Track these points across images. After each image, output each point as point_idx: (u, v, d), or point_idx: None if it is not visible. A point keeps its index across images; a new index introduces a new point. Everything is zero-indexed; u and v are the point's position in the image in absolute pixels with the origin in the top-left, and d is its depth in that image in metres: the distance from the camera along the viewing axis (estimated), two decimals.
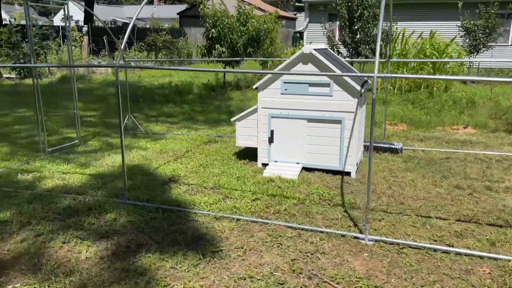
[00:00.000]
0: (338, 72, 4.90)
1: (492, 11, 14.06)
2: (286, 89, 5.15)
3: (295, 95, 5.13)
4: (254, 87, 5.28)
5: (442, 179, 4.97)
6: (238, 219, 3.80)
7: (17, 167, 5.40)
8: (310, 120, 5.12)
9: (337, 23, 12.96)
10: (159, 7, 59.64)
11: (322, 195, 4.42)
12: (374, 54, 10.75)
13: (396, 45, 11.68)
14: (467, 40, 14.57)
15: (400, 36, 11.90)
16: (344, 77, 4.85)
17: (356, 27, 10.99)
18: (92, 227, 3.62)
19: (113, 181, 4.82)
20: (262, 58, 12.92)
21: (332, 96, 4.98)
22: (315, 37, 20.85)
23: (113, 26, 41.13)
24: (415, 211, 4.03)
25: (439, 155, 6.07)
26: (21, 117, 9.02)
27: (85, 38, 17.19)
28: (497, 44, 16.16)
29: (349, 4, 11.09)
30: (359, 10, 10.92)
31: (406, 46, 11.47)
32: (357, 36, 11.23)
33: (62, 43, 18.90)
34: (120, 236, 3.46)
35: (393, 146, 6.12)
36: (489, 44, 14.29)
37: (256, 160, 5.63)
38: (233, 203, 4.15)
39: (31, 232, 3.52)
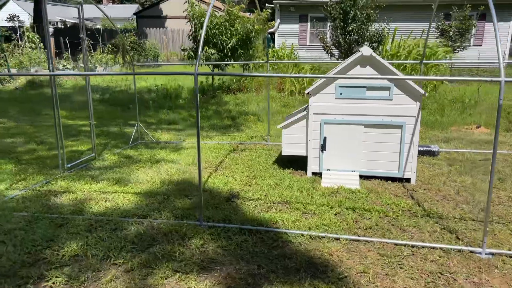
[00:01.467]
0: (400, 75, 4.70)
1: (466, 13, 14.59)
2: (341, 94, 4.89)
3: (351, 99, 4.88)
4: (306, 92, 4.96)
5: (501, 182, 4.91)
6: (337, 238, 3.48)
7: (39, 188, 4.75)
8: (368, 125, 4.89)
9: (328, 24, 12.87)
10: (109, 7, 57.27)
11: (400, 205, 4.20)
12: None
13: (386, 46, 11.78)
14: (442, 41, 15.04)
15: (390, 37, 12.02)
16: (407, 80, 4.67)
17: (350, 28, 10.94)
18: (184, 256, 3.16)
19: (167, 200, 4.33)
20: (260, 61, 12.57)
21: (392, 100, 4.78)
22: (287, 38, 20.76)
23: (62, 27, 38.93)
24: (506, 218, 3.91)
25: (475, 156, 6.05)
26: (4, 128, 8.11)
27: (52, 39, 15.97)
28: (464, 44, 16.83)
29: (342, 5, 11.03)
30: (353, 12, 10.88)
31: (398, 47, 11.58)
32: (351, 37, 11.18)
33: (18, 45, 17.54)
34: (223, 266, 3.04)
35: (431, 149, 6.04)
36: (463, 45, 14.82)
37: (301, 168, 5.35)
38: (317, 220, 3.82)
39: (117, 267, 3.01)
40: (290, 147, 5.28)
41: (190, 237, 3.47)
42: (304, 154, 5.23)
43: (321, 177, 5.04)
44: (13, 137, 7.28)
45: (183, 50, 12.45)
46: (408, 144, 4.84)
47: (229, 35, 11.66)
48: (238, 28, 11.73)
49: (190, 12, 11.66)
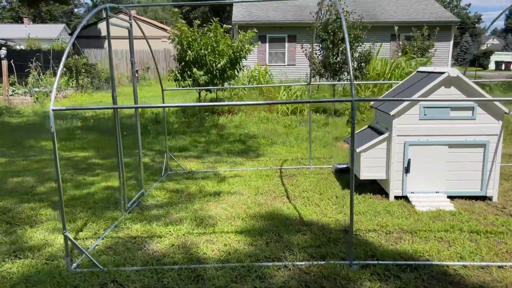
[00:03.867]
0: (487, 96, 4.76)
1: (425, 34, 15.58)
2: (425, 114, 4.84)
3: (435, 120, 4.85)
4: (391, 113, 4.84)
5: None
6: (500, 266, 3.34)
7: (113, 234, 4.10)
8: (452, 145, 4.88)
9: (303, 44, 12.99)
10: (32, 27, 53.55)
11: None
12: (360, 75, 11.02)
13: (373, 66, 12.14)
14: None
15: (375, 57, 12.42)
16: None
17: (341, 49, 11.14)
18: None
19: (280, 237, 3.93)
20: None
21: (475, 119, 4.82)
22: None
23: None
24: None
25: None
26: (5, 163, 7.05)
27: (4, 62, 14.41)
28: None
29: (330, 26, 11.21)
30: (341, 33, 11.09)
31: (384, 66, 11.99)
32: (339, 58, 11.38)
33: None
34: None
35: None
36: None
37: (376, 192, 5.20)
38: (459, 247, 3.67)
39: None
40: (370, 171, 5.11)
41: (354, 280, 3.14)
42: (384, 178, 5.08)
43: (406, 200, 4.92)
44: (19, 176, 6.31)
45: (171, 71, 11.82)
46: (490, 162, 4.88)
47: (217, 55, 11.32)
48: (224, 49, 11.44)
49: (175, 34, 11.17)
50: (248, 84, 13.47)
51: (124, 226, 4.34)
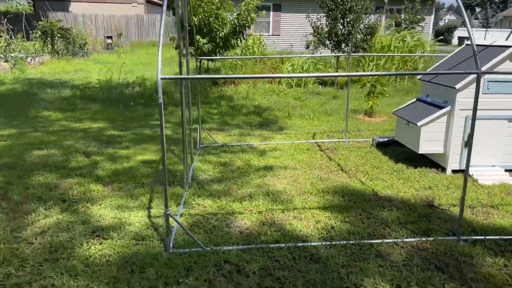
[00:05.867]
0: None
1: (418, 7, 15.64)
2: (488, 89, 4.81)
3: (497, 94, 4.84)
4: (457, 87, 4.76)
5: None
6: None
7: (188, 211, 3.86)
8: (511, 119, 4.91)
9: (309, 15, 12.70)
10: None
11: None
12: (367, 46, 10.93)
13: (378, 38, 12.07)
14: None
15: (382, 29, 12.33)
16: None
17: (348, 19, 10.95)
18: None
19: (367, 213, 3.83)
20: (259, 56, 11.89)
21: None
22: None
23: None
24: None
25: None
26: (11, 136, 6.49)
27: None
28: None
29: None
30: (349, 3, 10.90)
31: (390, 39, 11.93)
32: (345, 29, 11.21)
33: None
34: None
35: None
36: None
37: (429, 166, 5.18)
38: None
39: None
40: (429, 145, 5.07)
41: (473, 255, 3.10)
42: (442, 152, 5.06)
43: (463, 174, 4.93)
44: (40, 149, 5.83)
45: (170, 39, 11.21)
46: None
47: (220, 23, 10.84)
48: (227, 17, 10.97)
49: None
50: (246, 55, 13.07)
51: (193, 202, 4.10)
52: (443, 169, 5.07)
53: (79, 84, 11.74)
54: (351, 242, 3.28)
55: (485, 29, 48.59)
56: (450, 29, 51.20)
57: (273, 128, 7.57)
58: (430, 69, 5.85)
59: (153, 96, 9.94)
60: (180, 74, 4.37)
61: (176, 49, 11.06)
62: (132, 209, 3.90)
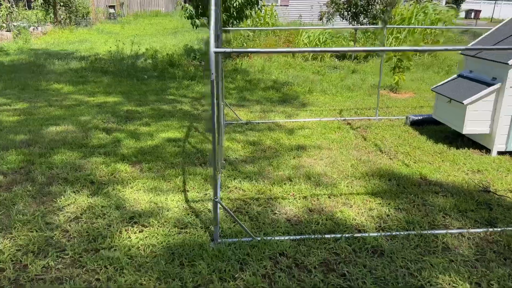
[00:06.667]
0: None
1: None
2: None
3: None
4: (510, 63, 4.42)
5: None
6: None
7: (226, 195, 3.59)
8: None
9: None
10: None
11: None
12: (387, 18, 10.47)
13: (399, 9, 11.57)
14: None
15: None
16: None
17: None
18: None
19: (420, 199, 3.57)
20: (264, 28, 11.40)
21: None
22: None
23: None
24: None
25: None
26: (21, 111, 6.16)
27: None
28: None
29: None
30: None
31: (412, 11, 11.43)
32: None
33: None
34: None
35: None
36: None
37: (471, 147, 4.89)
38: None
39: None
40: (474, 125, 4.76)
41: None
42: (487, 132, 4.77)
43: (511, 156, 4.66)
44: (57, 124, 5.52)
45: (182, 8, 10.70)
46: None
47: None
48: None
49: None
50: (257, 26, 12.56)
51: (230, 185, 3.83)
52: (488, 150, 4.78)
53: (86, 55, 11.31)
54: (413, 232, 3.03)
55: (494, 1, 47.43)
56: (457, 1, 50.08)
57: (295, 104, 7.24)
58: (472, 43, 5.48)
59: (167, 69, 9.55)
60: (218, 47, 4.01)
61: (189, 18, 10.61)
62: (167, 193, 3.63)
